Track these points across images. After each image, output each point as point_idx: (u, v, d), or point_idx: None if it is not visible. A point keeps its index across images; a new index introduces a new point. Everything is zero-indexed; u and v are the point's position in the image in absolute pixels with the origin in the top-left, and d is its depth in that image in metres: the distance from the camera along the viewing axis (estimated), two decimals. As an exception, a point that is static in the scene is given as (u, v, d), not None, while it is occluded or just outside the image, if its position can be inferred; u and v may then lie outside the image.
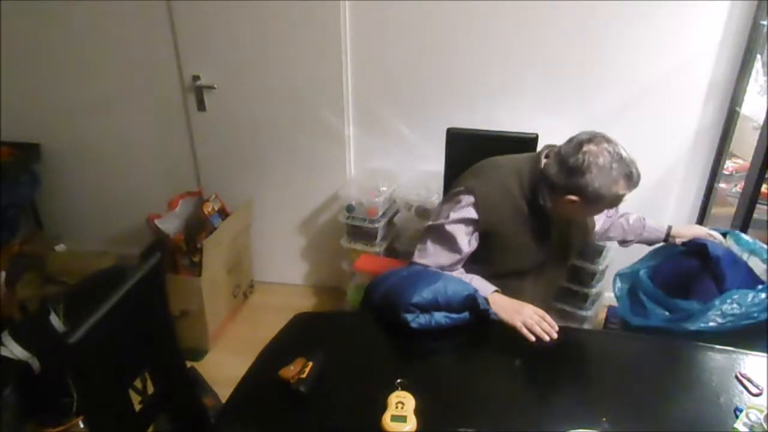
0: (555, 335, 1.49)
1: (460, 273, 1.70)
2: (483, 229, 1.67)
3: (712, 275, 1.89)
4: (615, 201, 1.58)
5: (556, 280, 1.98)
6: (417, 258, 1.72)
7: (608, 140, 1.52)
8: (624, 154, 1.51)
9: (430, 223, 1.75)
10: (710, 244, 1.91)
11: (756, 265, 1.92)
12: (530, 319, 1.51)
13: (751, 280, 1.92)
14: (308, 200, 2.91)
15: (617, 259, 2.54)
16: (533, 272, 1.75)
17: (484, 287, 1.63)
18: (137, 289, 1.33)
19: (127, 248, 2.94)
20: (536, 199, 1.63)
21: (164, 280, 1.48)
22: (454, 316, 1.51)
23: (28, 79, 2.87)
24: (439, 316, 1.49)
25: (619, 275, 2.10)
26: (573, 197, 1.54)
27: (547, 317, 1.53)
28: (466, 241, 1.67)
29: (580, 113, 2.48)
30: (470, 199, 1.66)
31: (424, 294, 1.48)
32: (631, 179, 1.52)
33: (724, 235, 2.01)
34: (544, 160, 1.63)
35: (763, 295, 1.66)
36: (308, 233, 3.01)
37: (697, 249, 1.96)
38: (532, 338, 1.49)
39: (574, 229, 1.77)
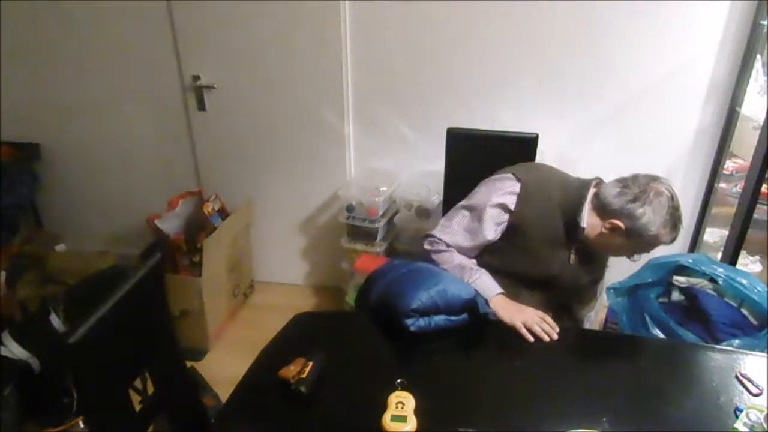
0: (555, 336, 1.49)
1: (472, 263, 1.69)
2: (513, 221, 1.66)
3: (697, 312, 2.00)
4: (651, 244, 1.60)
5: (560, 301, 1.89)
6: (438, 233, 1.72)
7: (671, 187, 1.59)
8: (680, 208, 1.58)
9: (465, 203, 1.74)
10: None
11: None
12: (530, 319, 1.52)
13: (729, 307, 2.02)
14: (308, 200, 2.91)
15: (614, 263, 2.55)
16: (540, 286, 1.72)
17: (489, 287, 1.62)
18: (137, 289, 1.33)
19: (127, 248, 2.94)
20: (574, 218, 1.64)
21: (164, 280, 1.48)
22: (454, 318, 1.51)
23: (28, 79, 2.88)
24: (439, 319, 1.49)
25: (614, 289, 2.11)
26: (619, 223, 1.57)
27: (548, 318, 1.53)
28: (493, 228, 1.67)
29: (580, 113, 2.48)
30: (516, 187, 1.67)
31: (423, 299, 1.46)
32: (675, 231, 1.58)
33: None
34: (592, 189, 1.67)
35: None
36: (308, 233, 3.01)
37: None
38: (531, 338, 1.49)
39: (593, 263, 1.76)
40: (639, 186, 1.57)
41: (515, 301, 1.61)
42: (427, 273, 1.60)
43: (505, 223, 1.67)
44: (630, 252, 1.68)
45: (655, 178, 1.59)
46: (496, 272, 1.68)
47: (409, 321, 1.46)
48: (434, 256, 1.71)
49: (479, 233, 1.68)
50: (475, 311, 1.51)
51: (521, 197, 1.66)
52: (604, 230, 1.61)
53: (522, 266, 1.69)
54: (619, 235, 1.59)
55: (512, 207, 1.66)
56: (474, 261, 1.71)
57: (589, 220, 1.64)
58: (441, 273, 1.60)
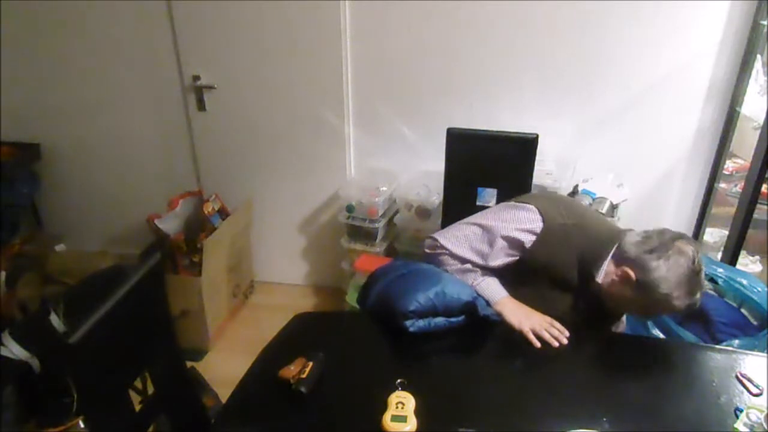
0: (565, 341, 1.46)
1: (478, 271, 1.62)
2: (524, 258, 1.57)
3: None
4: (661, 304, 1.46)
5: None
6: (443, 239, 1.63)
7: (697, 250, 1.46)
8: (703, 276, 1.45)
9: (481, 221, 1.62)
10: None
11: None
12: (539, 324, 1.48)
13: (729, 308, 2.01)
14: (308, 200, 2.91)
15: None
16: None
17: (494, 290, 1.58)
18: (137, 289, 1.33)
19: (127, 248, 2.94)
20: (590, 269, 1.54)
21: (164, 280, 1.48)
22: (453, 320, 1.50)
23: (28, 79, 2.87)
24: (438, 320, 1.48)
25: None
26: (631, 273, 1.46)
27: (557, 323, 1.49)
28: (501, 258, 1.59)
29: (580, 113, 2.48)
30: (537, 225, 1.55)
31: (422, 301, 1.45)
32: (692, 298, 1.43)
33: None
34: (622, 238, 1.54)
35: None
36: (308, 233, 3.00)
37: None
38: (538, 344, 1.46)
39: (602, 317, 1.65)
40: (662, 239, 1.46)
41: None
42: (427, 274, 1.57)
43: (516, 257, 1.58)
44: (639, 310, 1.56)
45: (682, 236, 1.47)
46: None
47: (408, 322, 1.46)
48: (434, 259, 1.66)
49: (485, 257, 1.59)
50: (474, 313, 1.50)
51: (540, 239, 1.54)
52: (615, 278, 1.50)
53: (522, 300, 1.59)
54: (629, 286, 1.47)
55: (527, 245, 1.55)
56: (480, 271, 1.63)
57: (606, 266, 1.53)
58: (441, 274, 1.57)
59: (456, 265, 1.62)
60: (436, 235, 1.66)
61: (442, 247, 1.63)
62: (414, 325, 1.46)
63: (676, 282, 1.41)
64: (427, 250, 1.68)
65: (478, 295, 1.56)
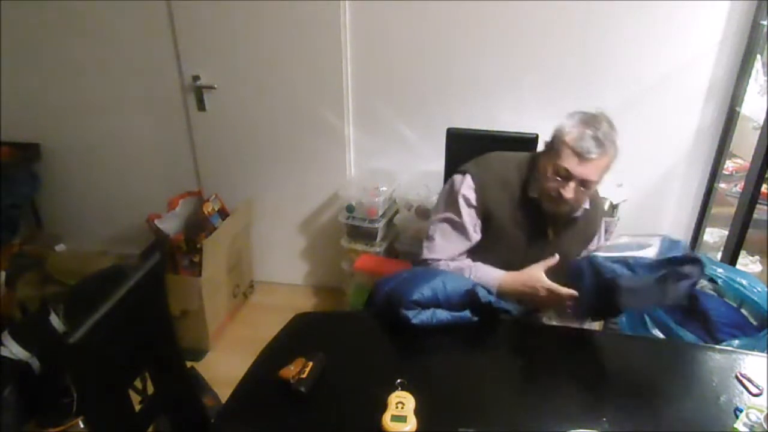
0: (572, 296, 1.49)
1: (468, 261, 1.69)
2: (482, 215, 1.67)
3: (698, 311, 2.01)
4: (564, 151, 1.52)
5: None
6: (426, 254, 1.71)
7: (603, 120, 1.55)
8: (604, 128, 1.52)
9: (438, 216, 1.74)
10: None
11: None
12: (539, 285, 1.53)
13: (729, 308, 2.02)
14: (308, 200, 2.91)
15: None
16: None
17: (489, 275, 1.62)
18: (137, 289, 1.33)
19: (127, 248, 2.94)
20: (526, 187, 1.64)
21: (164, 280, 1.48)
22: (455, 313, 1.51)
23: (28, 79, 2.87)
24: (441, 313, 1.49)
25: None
26: (544, 148, 1.59)
27: (554, 287, 1.52)
28: (473, 228, 1.68)
29: (580, 113, 2.48)
30: (468, 181, 1.67)
31: (424, 291, 1.48)
32: (584, 126, 1.51)
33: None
34: None
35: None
36: (308, 233, 3.01)
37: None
38: (563, 290, 1.49)
39: (572, 236, 1.73)
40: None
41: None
42: (427, 271, 1.62)
43: (478, 220, 1.68)
44: (554, 175, 1.56)
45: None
46: None
47: (410, 313, 1.47)
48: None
49: (465, 237, 1.68)
50: (476, 301, 1.50)
51: (478, 189, 1.66)
52: (540, 166, 1.60)
53: (506, 257, 1.68)
54: (546, 160, 1.57)
55: (475, 202, 1.67)
56: (469, 260, 1.71)
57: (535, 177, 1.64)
58: (440, 270, 1.62)
59: (450, 266, 1.67)
60: (423, 257, 1.73)
61: (434, 260, 1.70)
62: (417, 317, 1.47)
63: (572, 123, 1.53)
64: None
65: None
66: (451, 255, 1.69)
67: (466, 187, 1.67)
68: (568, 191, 1.54)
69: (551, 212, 1.64)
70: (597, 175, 1.55)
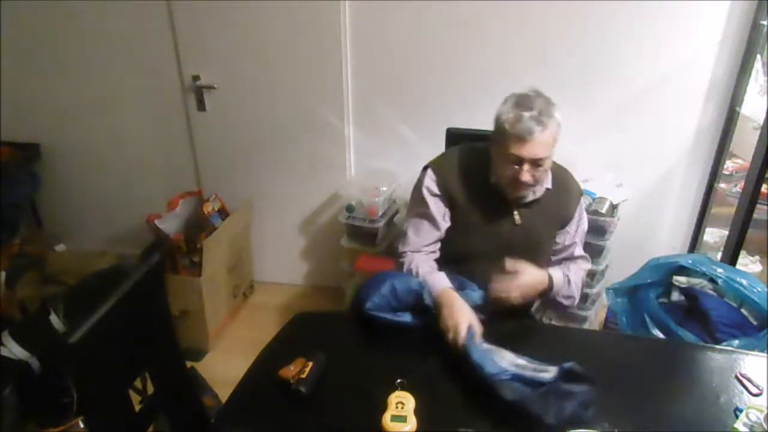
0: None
1: (434, 258, 1.72)
2: (446, 204, 1.72)
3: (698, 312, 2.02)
4: (505, 137, 1.56)
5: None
6: (402, 247, 1.76)
7: (537, 97, 1.61)
8: (539, 105, 1.57)
9: (410, 215, 1.80)
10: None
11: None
12: (453, 326, 1.45)
13: (729, 308, 2.02)
14: (308, 200, 2.91)
15: (614, 263, 2.55)
16: (500, 258, 1.65)
17: (438, 282, 1.61)
18: (137, 289, 1.33)
19: (127, 248, 2.94)
20: (487, 174, 1.68)
21: (164, 280, 1.48)
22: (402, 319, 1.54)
23: (28, 79, 2.87)
24: (401, 315, 1.53)
25: (613, 290, 2.11)
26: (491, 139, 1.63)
27: (473, 323, 1.46)
28: (442, 218, 1.72)
29: (580, 113, 2.47)
30: (429, 174, 1.74)
31: (376, 299, 1.52)
32: (518, 109, 1.55)
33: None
34: None
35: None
36: (308, 233, 3.00)
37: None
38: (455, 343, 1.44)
39: (540, 218, 1.73)
40: None
41: (482, 280, 1.60)
42: (375, 278, 1.62)
43: (447, 209, 1.73)
44: (507, 162, 1.58)
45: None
46: (456, 257, 1.72)
47: (373, 314, 1.51)
48: (405, 267, 1.72)
49: (434, 227, 1.72)
50: (420, 302, 1.53)
51: (438, 180, 1.72)
52: (493, 155, 1.64)
53: (478, 245, 1.71)
54: (495, 150, 1.62)
55: (438, 191, 1.71)
56: (434, 265, 1.70)
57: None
58: (389, 273, 1.65)
59: (421, 256, 1.71)
60: (399, 250, 1.76)
61: (404, 252, 1.73)
62: (381, 318, 1.51)
63: (507, 108, 1.58)
64: (400, 265, 1.74)
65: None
66: (422, 244, 1.73)
67: (428, 179, 1.73)
68: (525, 174, 1.57)
69: (514, 197, 1.68)
70: (545, 151, 1.57)
